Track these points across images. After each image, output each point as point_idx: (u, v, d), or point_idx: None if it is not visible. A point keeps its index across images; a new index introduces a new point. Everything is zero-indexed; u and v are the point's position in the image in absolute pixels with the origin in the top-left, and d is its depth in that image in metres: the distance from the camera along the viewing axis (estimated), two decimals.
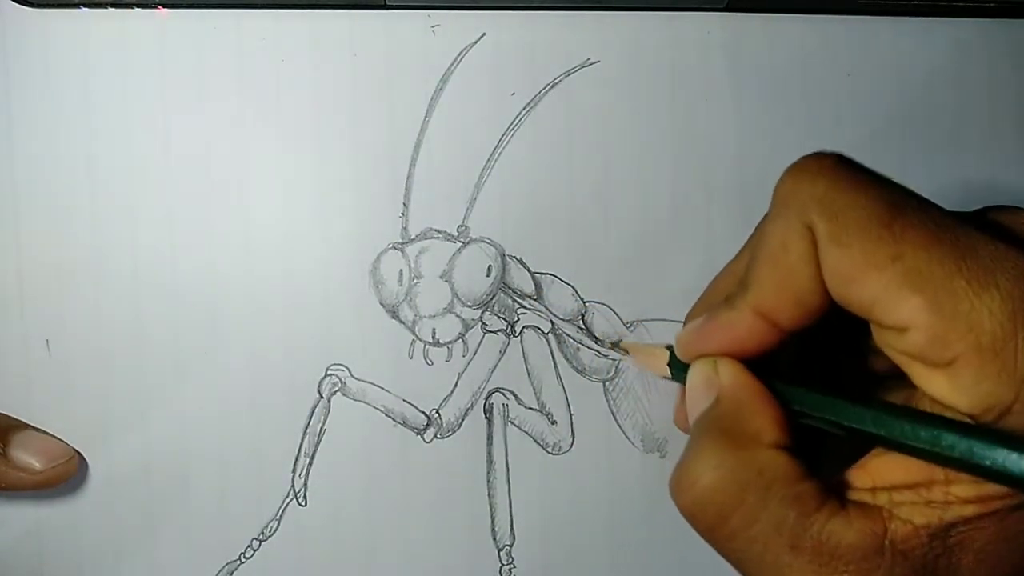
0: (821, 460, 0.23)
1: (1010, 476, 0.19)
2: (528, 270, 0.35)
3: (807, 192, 0.21)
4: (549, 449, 0.35)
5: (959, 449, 0.20)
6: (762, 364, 0.24)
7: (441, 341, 0.35)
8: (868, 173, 0.22)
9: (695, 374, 0.24)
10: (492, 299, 0.35)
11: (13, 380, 0.34)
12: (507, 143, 0.35)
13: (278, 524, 0.35)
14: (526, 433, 0.35)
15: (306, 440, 0.35)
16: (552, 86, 0.35)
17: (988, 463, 0.19)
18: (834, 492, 0.22)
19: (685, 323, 0.30)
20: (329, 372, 0.35)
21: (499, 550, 0.35)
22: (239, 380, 0.34)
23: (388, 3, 0.34)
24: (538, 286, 0.35)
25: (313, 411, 0.35)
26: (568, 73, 0.35)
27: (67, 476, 0.33)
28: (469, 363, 0.35)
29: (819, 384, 0.23)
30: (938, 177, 0.36)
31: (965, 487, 0.20)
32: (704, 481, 0.22)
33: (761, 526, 0.21)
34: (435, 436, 0.35)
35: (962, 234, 0.20)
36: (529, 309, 0.35)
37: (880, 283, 0.20)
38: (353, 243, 0.35)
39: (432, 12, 0.34)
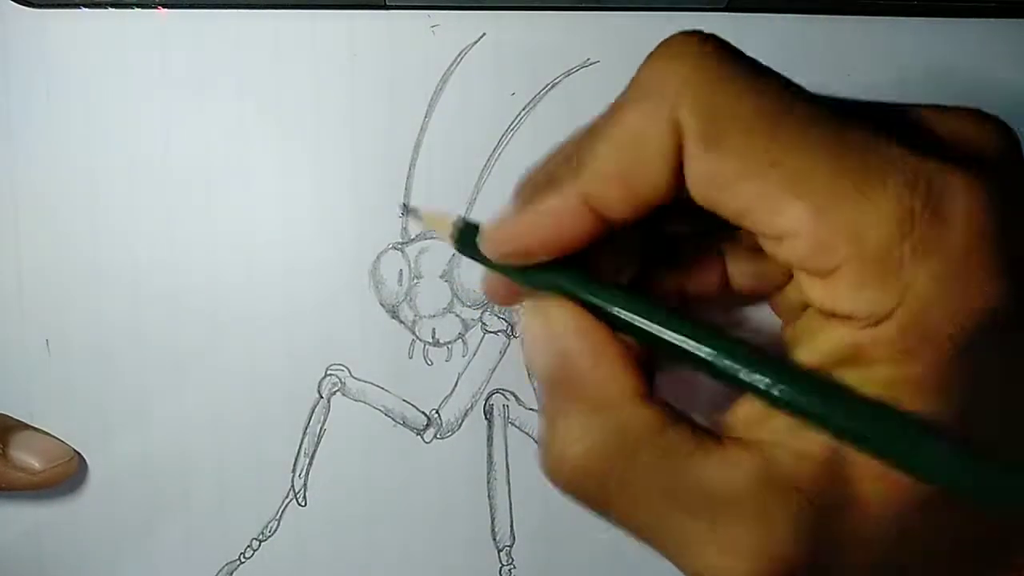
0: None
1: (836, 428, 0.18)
2: None
3: (679, 81, 0.19)
4: None
5: (784, 397, 0.19)
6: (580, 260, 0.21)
7: (441, 341, 0.35)
8: (749, 63, 0.20)
9: (530, 323, 0.22)
10: None
11: (13, 380, 0.34)
12: (507, 143, 0.35)
13: (278, 524, 0.35)
14: (526, 434, 0.35)
15: (306, 440, 0.35)
16: (552, 86, 0.35)
17: (816, 416, 0.18)
18: (708, 432, 0.20)
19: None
20: (329, 372, 0.35)
21: (499, 551, 0.35)
22: (239, 380, 0.34)
23: (388, 3, 0.34)
24: None
25: (313, 411, 0.35)
26: (568, 73, 0.35)
27: (67, 476, 0.33)
28: (469, 363, 0.35)
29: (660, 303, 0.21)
30: None
31: None
32: (571, 458, 0.20)
33: (636, 489, 0.20)
34: (435, 436, 0.35)
35: (853, 132, 0.18)
36: None
37: (756, 190, 0.18)
38: (353, 243, 0.35)
39: (432, 12, 0.34)
